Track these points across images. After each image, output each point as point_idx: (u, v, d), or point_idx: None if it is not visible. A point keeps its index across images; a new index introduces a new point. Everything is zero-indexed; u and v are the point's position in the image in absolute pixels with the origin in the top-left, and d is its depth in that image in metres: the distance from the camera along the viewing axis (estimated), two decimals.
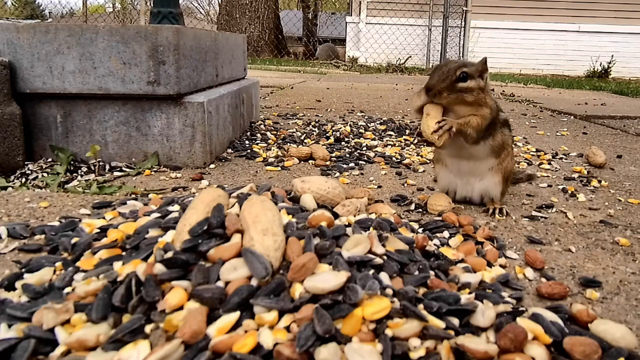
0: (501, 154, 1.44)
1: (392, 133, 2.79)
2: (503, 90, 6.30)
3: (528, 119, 3.67)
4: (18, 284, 0.85)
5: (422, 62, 11.71)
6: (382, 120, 3.22)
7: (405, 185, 1.77)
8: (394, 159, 2.15)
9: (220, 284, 0.76)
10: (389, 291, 0.76)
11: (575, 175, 1.98)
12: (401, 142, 2.56)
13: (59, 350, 0.69)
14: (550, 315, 0.81)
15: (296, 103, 4.18)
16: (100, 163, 1.87)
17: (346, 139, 2.56)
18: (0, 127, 1.72)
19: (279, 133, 2.65)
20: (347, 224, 0.99)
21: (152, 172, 1.83)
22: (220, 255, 0.79)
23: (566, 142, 2.76)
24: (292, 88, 5.64)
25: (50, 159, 1.88)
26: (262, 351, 0.66)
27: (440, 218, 1.31)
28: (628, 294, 1.00)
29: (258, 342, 0.67)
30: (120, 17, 17.45)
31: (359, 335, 0.68)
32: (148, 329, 0.70)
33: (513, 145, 1.55)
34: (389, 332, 0.70)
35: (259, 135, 2.59)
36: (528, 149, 2.47)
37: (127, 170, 1.84)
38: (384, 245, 0.90)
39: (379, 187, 1.74)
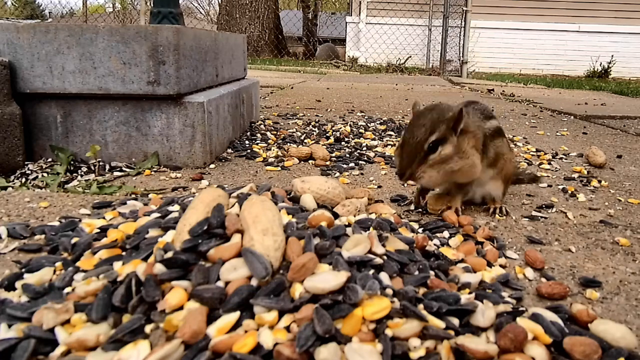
0: (498, 164, 1.42)
1: (392, 133, 2.79)
2: (503, 90, 6.30)
3: (528, 119, 3.67)
4: (18, 284, 0.85)
5: (422, 62, 11.71)
6: (382, 120, 3.22)
7: (405, 185, 1.77)
8: (394, 159, 2.15)
9: (220, 284, 0.76)
10: (389, 291, 0.76)
11: (575, 175, 1.98)
12: None
13: (59, 350, 0.69)
14: (550, 315, 0.81)
15: (296, 103, 4.18)
16: (100, 163, 1.87)
17: (346, 139, 2.56)
18: (0, 127, 1.72)
19: (279, 133, 2.65)
20: (347, 224, 0.99)
21: (152, 172, 1.83)
22: (220, 255, 0.79)
23: (566, 142, 2.76)
24: (292, 88, 5.64)
25: (50, 159, 1.88)
26: (262, 351, 0.66)
27: (440, 218, 1.31)
28: (628, 294, 1.00)
29: (258, 342, 0.67)
30: (120, 17, 17.44)
31: (359, 335, 0.68)
32: (148, 329, 0.70)
33: (511, 147, 1.53)
34: (389, 332, 0.70)
35: (259, 135, 2.59)
36: (528, 149, 2.47)
37: (127, 170, 1.84)
38: (384, 245, 0.90)
39: (379, 187, 1.74)
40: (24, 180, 1.69)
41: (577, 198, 1.66)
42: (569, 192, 1.73)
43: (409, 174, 1.20)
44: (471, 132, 1.26)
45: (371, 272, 0.81)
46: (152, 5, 2.58)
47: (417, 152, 1.19)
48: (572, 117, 3.89)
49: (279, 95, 4.84)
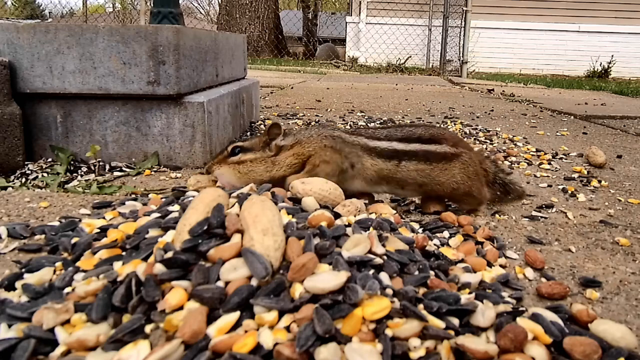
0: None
1: None
2: (503, 90, 6.30)
3: (528, 119, 3.67)
4: (18, 284, 0.85)
5: (422, 62, 11.71)
6: (382, 120, 3.22)
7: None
8: None
9: (220, 284, 0.75)
10: (389, 291, 0.76)
11: (575, 175, 1.98)
12: None
13: (59, 350, 0.69)
14: (550, 315, 0.81)
15: (296, 103, 4.18)
16: (100, 163, 1.87)
17: None
18: (0, 127, 1.72)
19: None
20: (347, 224, 0.99)
21: (152, 172, 1.83)
22: (220, 255, 0.79)
23: (566, 142, 2.76)
24: (292, 88, 5.64)
25: (50, 159, 1.88)
26: (262, 351, 0.66)
27: (439, 218, 1.31)
28: (628, 294, 1.00)
29: (258, 342, 0.67)
30: (120, 17, 17.45)
31: (359, 335, 0.68)
32: (148, 329, 0.70)
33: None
34: (389, 332, 0.69)
35: None
36: (528, 149, 2.47)
37: (127, 170, 1.84)
38: (384, 245, 0.90)
39: None
40: (24, 180, 1.69)
41: (577, 198, 1.66)
42: (569, 192, 1.73)
43: (208, 165, 1.42)
44: (297, 151, 1.37)
45: (371, 272, 0.81)
46: (152, 5, 2.58)
47: (223, 152, 1.42)
48: (572, 117, 3.89)
49: (279, 95, 4.84)
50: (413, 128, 1.41)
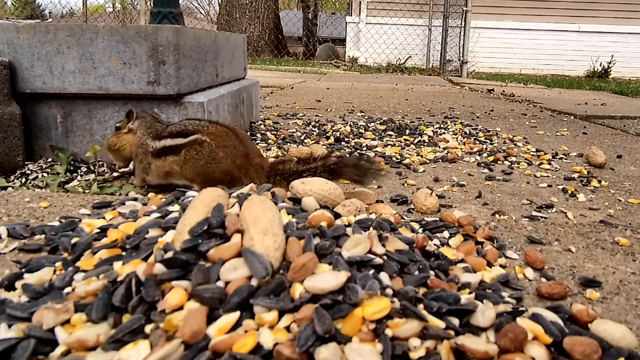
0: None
1: (392, 133, 2.79)
2: (503, 90, 6.31)
3: (528, 119, 3.67)
4: (18, 284, 0.85)
5: (422, 62, 11.72)
6: (382, 120, 3.22)
7: (405, 185, 1.77)
8: (394, 159, 2.15)
9: (220, 284, 0.75)
10: (389, 291, 0.76)
11: (575, 175, 1.98)
12: (401, 142, 2.56)
13: (59, 350, 0.69)
14: (550, 315, 0.81)
15: (296, 103, 4.18)
16: (100, 163, 1.87)
17: (346, 139, 2.56)
18: (0, 127, 1.72)
19: (279, 133, 2.65)
20: (347, 224, 0.99)
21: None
22: (220, 255, 0.79)
23: (566, 142, 2.76)
24: (292, 88, 5.65)
25: (50, 159, 1.88)
26: (262, 351, 0.66)
27: (439, 218, 1.31)
28: (628, 294, 1.00)
29: (258, 342, 0.67)
30: (120, 17, 17.45)
31: (359, 335, 0.68)
32: (148, 329, 0.70)
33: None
34: (389, 332, 0.69)
35: (259, 135, 2.59)
36: (528, 149, 2.47)
37: (128, 170, 1.84)
38: (384, 245, 0.90)
39: (379, 187, 1.74)
40: (24, 180, 1.69)
41: (577, 198, 1.67)
42: (569, 192, 1.73)
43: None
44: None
45: (371, 272, 0.81)
46: (152, 5, 2.58)
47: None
48: (572, 117, 3.89)
49: (279, 95, 4.84)
50: (177, 125, 1.59)
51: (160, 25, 2.06)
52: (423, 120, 3.38)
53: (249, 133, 2.63)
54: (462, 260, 1.02)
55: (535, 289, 0.98)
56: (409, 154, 2.26)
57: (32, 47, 1.77)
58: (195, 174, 1.50)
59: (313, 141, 2.48)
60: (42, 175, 1.73)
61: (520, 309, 0.82)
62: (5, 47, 1.76)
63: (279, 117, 3.31)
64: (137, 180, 1.64)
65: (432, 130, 2.88)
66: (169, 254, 0.80)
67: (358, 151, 2.28)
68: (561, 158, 2.33)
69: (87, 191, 1.58)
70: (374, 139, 2.61)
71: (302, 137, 2.58)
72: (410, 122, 3.20)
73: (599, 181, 1.88)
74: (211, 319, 0.71)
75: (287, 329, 0.69)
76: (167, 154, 1.54)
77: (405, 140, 2.60)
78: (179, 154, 1.51)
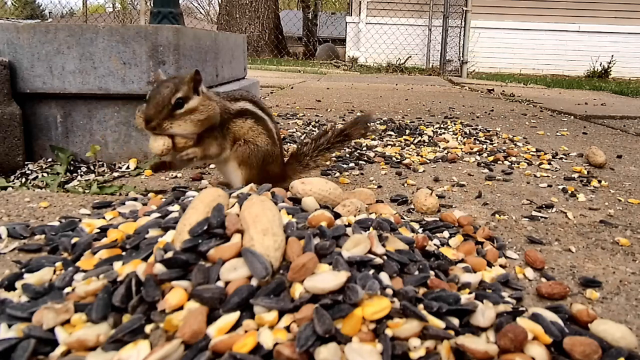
0: (235, 144, 1.45)
1: (392, 133, 2.79)
2: (503, 90, 6.31)
3: (528, 119, 3.67)
4: (18, 284, 0.85)
5: (422, 62, 11.71)
6: (382, 120, 3.22)
7: (405, 185, 1.77)
8: (394, 159, 2.15)
9: (220, 284, 0.75)
10: (389, 291, 0.76)
11: (575, 175, 1.98)
12: (401, 142, 2.56)
13: (59, 350, 0.69)
14: (550, 315, 0.81)
15: (296, 103, 4.18)
16: (100, 163, 1.87)
17: None
18: (0, 127, 1.72)
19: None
20: (347, 224, 0.99)
21: (153, 172, 1.83)
22: (220, 255, 0.79)
23: (566, 142, 2.76)
24: (292, 88, 5.65)
25: (50, 159, 1.88)
26: (262, 351, 0.66)
27: (439, 218, 1.31)
28: (628, 294, 1.00)
29: (258, 342, 0.67)
30: (120, 17, 17.45)
31: (359, 335, 0.68)
32: (148, 329, 0.70)
33: (257, 129, 1.49)
34: (389, 332, 0.69)
35: None
36: (528, 149, 2.47)
37: (128, 170, 1.84)
38: (384, 245, 0.90)
39: (379, 187, 1.74)
40: (24, 180, 1.69)
41: (577, 198, 1.66)
42: (569, 192, 1.73)
43: (155, 123, 1.28)
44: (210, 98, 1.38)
45: (371, 272, 0.81)
46: (152, 5, 2.58)
47: (164, 105, 1.28)
48: (572, 117, 3.89)
49: (279, 95, 4.84)
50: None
51: (160, 25, 2.06)
52: (423, 120, 3.38)
53: None
54: (462, 260, 1.02)
55: (535, 289, 0.98)
56: (409, 154, 2.26)
57: (32, 47, 1.77)
58: (260, 153, 1.45)
59: None
60: (42, 175, 1.73)
61: (520, 309, 0.82)
62: (5, 47, 1.76)
63: (279, 117, 3.31)
64: (206, 151, 1.40)
65: (432, 130, 2.88)
66: (169, 254, 0.80)
67: (358, 151, 2.28)
68: (561, 158, 2.33)
69: (87, 191, 1.58)
70: (374, 139, 2.61)
71: (302, 137, 2.57)
72: (410, 122, 3.20)
73: (599, 181, 1.88)
74: (211, 319, 0.71)
75: (287, 329, 0.69)
76: (245, 116, 1.45)
77: (405, 140, 2.60)
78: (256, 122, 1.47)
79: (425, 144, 2.54)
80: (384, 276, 0.80)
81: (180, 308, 0.72)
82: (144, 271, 0.78)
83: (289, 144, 2.39)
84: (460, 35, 10.03)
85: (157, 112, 1.27)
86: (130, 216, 1.18)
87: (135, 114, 1.33)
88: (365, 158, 2.14)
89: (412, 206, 1.49)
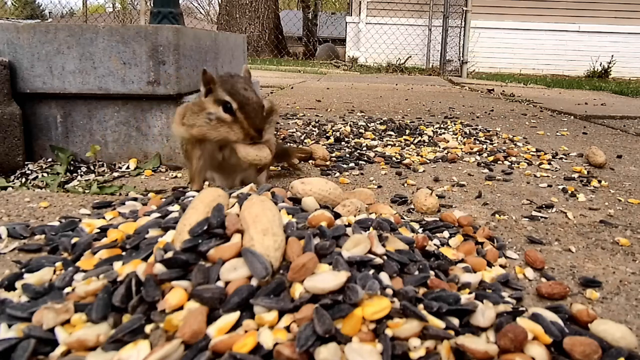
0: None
1: (392, 133, 2.79)
2: (503, 90, 6.31)
3: (528, 119, 3.67)
4: (18, 284, 0.85)
5: (422, 62, 11.71)
6: (382, 120, 3.22)
7: (405, 185, 1.77)
8: (394, 159, 2.15)
9: (220, 284, 0.75)
10: (389, 291, 0.76)
11: (575, 175, 1.98)
12: (401, 142, 2.56)
13: (59, 350, 0.69)
14: (550, 315, 0.81)
15: (296, 103, 4.18)
16: (100, 163, 1.87)
17: (346, 139, 2.56)
18: (0, 127, 1.72)
19: (278, 133, 2.65)
20: (347, 224, 0.99)
21: (153, 172, 1.83)
22: (220, 255, 0.79)
23: (566, 142, 2.76)
24: (292, 88, 5.65)
25: (50, 159, 1.88)
26: (262, 351, 0.66)
27: (439, 218, 1.31)
28: (628, 294, 1.00)
29: (258, 342, 0.67)
30: (120, 17, 17.45)
31: (359, 335, 0.68)
32: (148, 329, 0.70)
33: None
34: (389, 332, 0.69)
35: None
36: (528, 149, 2.47)
37: (128, 170, 1.84)
38: (384, 245, 0.90)
39: (379, 187, 1.74)
40: (24, 180, 1.69)
41: (577, 198, 1.66)
42: (569, 192, 1.73)
43: (256, 134, 1.27)
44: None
45: (371, 272, 0.81)
46: (152, 5, 2.58)
47: (251, 114, 1.26)
48: (572, 117, 3.89)
49: (279, 95, 4.84)
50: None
51: (160, 25, 2.06)
52: (423, 120, 3.38)
53: None
54: (462, 260, 1.02)
55: (535, 289, 0.98)
56: (409, 154, 2.26)
57: (32, 47, 1.77)
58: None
59: (313, 141, 2.48)
60: (42, 175, 1.73)
61: (520, 309, 0.82)
62: (5, 47, 1.76)
63: (279, 117, 3.31)
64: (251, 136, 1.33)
65: (432, 130, 2.88)
66: (169, 254, 0.80)
67: (358, 151, 2.28)
68: (561, 158, 2.33)
69: (87, 191, 1.58)
70: (374, 139, 2.61)
71: (302, 137, 2.58)
72: (410, 122, 3.20)
73: (599, 181, 1.88)
74: (211, 319, 0.71)
75: (287, 329, 0.69)
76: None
77: (405, 140, 2.60)
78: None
79: (425, 144, 2.54)
80: (384, 276, 0.80)
81: (180, 308, 0.72)
82: (144, 271, 0.78)
83: (289, 144, 2.39)
84: (460, 35, 10.03)
85: (262, 121, 1.25)
86: (130, 216, 1.18)
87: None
88: (365, 158, 2.14)
89: (412, 206, 1.49)
